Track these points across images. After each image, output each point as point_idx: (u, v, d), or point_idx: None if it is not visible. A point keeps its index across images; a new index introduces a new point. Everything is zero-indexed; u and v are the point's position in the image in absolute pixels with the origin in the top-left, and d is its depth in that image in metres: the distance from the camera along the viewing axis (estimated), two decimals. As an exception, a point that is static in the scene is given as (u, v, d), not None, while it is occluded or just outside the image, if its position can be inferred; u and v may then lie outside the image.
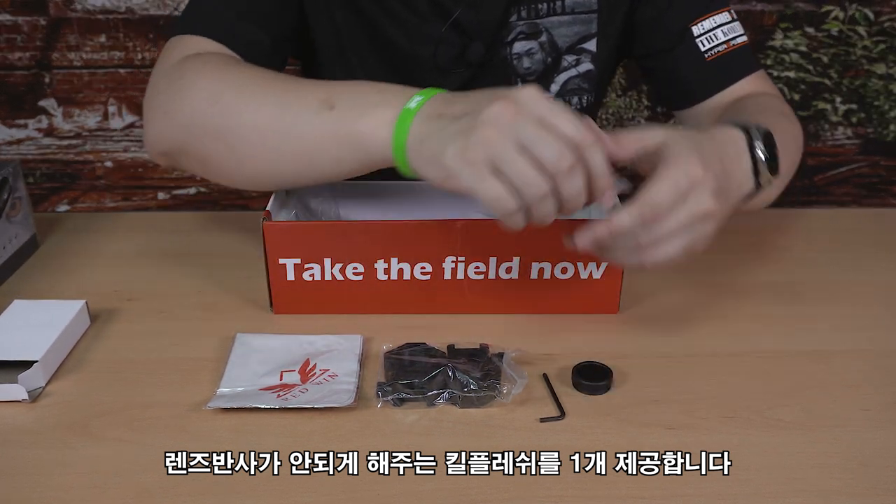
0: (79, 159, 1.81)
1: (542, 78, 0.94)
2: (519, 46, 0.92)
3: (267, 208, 0.76)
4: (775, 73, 1.79)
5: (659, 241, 0.62)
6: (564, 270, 0.76)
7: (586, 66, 0.94)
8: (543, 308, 0.78)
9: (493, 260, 0.75)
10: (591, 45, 0.93)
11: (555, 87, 0.95)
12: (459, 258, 0.75)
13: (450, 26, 0.88)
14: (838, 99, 1.82)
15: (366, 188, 0.87)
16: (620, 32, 0.94)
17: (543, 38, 0.92)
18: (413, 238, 0.74)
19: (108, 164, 1.82)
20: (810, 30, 1.75)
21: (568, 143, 0.58)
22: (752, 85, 0.92)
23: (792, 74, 1.79)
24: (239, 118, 0.69)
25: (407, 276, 0.75)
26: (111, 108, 1.77)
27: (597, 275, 0.76)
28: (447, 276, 0.75)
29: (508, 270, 0.75)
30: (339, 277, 0.75)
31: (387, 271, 0.75)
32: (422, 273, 0.75)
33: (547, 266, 0.75)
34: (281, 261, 0.74)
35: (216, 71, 0.73)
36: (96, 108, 1.76)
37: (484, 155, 0.58)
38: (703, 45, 0.90)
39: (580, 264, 0.75)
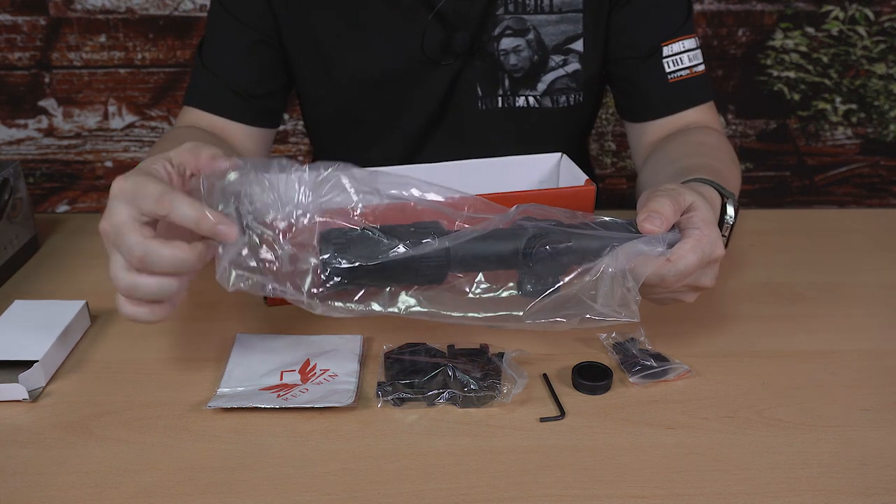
0: (79, 159, 1.81)
1: (530, 76, 0.96)
2: (506, 42, 0.94)
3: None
4: (775, 73, 1.79)
5: (658, 296, 0.67)
6: None
7: (574, 66, 0.96)
8: None
9: None
10: (579, 46, 0.95)
11: (542, 86, 0.96)
12: None
13: (434, 16, 0.90)
14: (838, 99, 1.82)
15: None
16: (604, 33, 0.96)
17: (531, 35, 0.94)
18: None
19: (108, 164, 1.82)
20: (810, 30, 1.76)
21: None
22: (702, 113, 0.97)
23: (792, 74, 1.80)
24: None
25: None
26: (111, 108, 1.77)
27: None
28: None
29: None
30: None
31: None
32: None
33: None
34: None
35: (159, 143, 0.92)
36: (96, 108, 1.76)
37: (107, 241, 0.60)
38: (669, 67, 0.94)
39: None
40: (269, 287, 0.61)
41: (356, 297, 0.63)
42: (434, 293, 0.64)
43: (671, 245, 0.63)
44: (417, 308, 0.63)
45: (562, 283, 0.62)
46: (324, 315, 0.61)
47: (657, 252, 0.62)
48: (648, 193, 0.66)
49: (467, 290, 0.63)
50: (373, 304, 0.63)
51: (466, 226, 0.63)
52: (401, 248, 0.61)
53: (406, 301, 0.63)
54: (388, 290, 0.63)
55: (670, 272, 0.62)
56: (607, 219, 0.65)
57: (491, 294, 0.64)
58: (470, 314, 0.63)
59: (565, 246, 0.62)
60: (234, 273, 0.60)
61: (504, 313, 0.63)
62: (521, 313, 0.63)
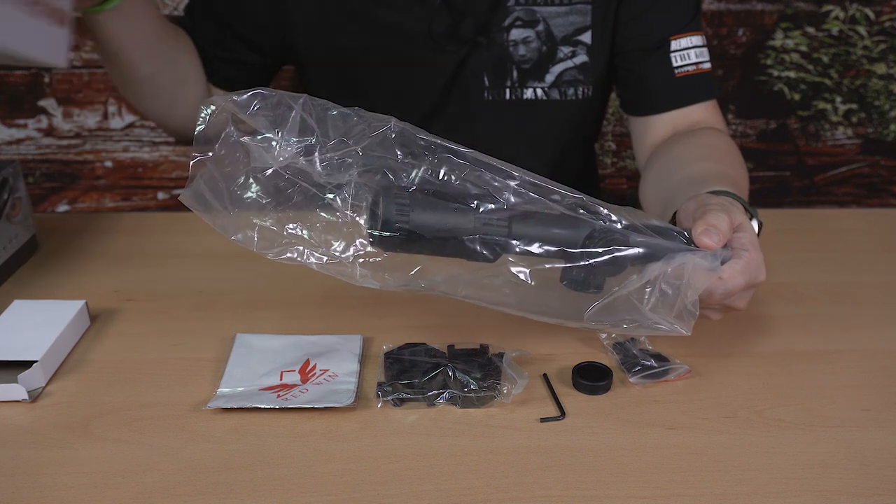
0: (78, 159, 1.81)
1: (538, 67, 0.96)
2: (516, 34, 0.94)
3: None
4: (776, 73, 1.79)
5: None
6: None
7: (582, 58, 0.96)
8: None
9: None
10: (587, 38, 0.95)
11: (550, 78, 0.97)
12: None
13: (443, 3, 0.91)
14: (838, 99, 1.82)
15: None
16: (612, 26, 0.96)
17: (540, 27, 0.94)
18: None
19: (108, 164, 1.82)
20: (810, 30, 1.76)
21: None
22: (705, 110, 0.97)
23: (792, 74, 1.80)
24: None
25: None
26: (111, 108, 1.77)
27: None
28: None
29: None
30: None
31: None
32: None
33: None
34: None
35: None
36: (96, 107, 1.76)
37: None
38: (676, 61, 0.94)
39: None
40: (304, 251, 0.57)
41: (412, 273, 0.58)
42: (485, 279, 0.61)
43: (724, 262, 0.63)
44: (475, 295, 0.60)
45: (627, 285, 0.61)
46: (361, 285, 0.57)
47: (713, 268, 0.62)
48: (700, 205, 0.66)
49: (520, 276, 0.61)
50: (429, 283, 0.58)
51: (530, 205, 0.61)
52: (466, 213, 0.57)
53: (463, 289, 0.60)
54: (440, 278, 0.60)
55: (718, 290, 0.62)
56: (657, 222, 0.65)
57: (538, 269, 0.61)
58: (529, 310, 0.62)
59: (630, 253, 0.61)
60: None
61: (562, 311, 0.63)
62: (581, 312, 0.61)
